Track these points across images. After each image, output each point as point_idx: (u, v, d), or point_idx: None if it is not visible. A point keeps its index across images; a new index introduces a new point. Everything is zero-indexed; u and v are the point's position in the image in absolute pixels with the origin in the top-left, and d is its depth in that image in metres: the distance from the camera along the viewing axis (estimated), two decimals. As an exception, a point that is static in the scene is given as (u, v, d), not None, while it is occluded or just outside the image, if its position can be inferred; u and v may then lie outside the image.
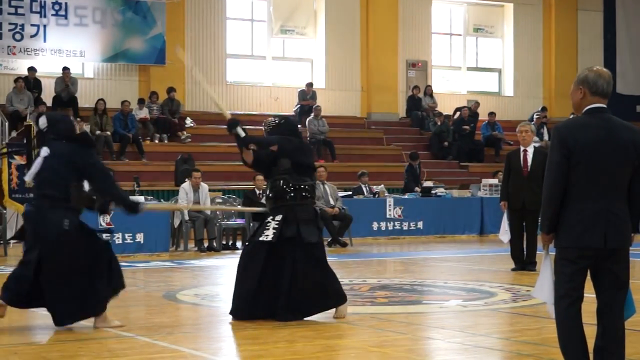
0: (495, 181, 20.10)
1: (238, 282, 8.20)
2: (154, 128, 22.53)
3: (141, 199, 15.58)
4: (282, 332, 7.58)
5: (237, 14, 25.39)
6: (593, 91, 5.16)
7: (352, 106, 26.35)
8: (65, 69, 21.97)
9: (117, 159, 21.00)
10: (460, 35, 28.43)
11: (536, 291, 5.39)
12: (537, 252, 12.33)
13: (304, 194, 8.25)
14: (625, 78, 29.33)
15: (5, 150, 16.81)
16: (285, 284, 8.02)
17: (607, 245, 5.05)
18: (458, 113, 26.13)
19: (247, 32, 25.60)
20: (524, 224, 12.44)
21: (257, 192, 16.70)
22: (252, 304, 8.08)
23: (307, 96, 24.74)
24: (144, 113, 22.52)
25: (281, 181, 8.20)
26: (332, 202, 17.42)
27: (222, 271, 13.06)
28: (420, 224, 19.60)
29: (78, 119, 20.47)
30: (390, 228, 19.28)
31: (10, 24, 21.81)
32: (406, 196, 20.23)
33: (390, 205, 19.26)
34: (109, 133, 21.37)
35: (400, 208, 19.37)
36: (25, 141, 17.02)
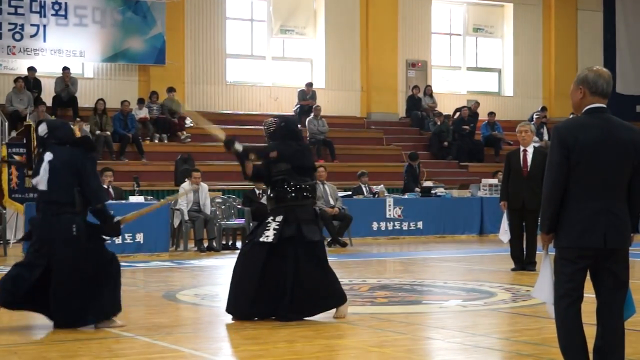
0: (495, 181, 20.11)
1: (237, 282, 8.17)
2: (154, 128, 22.53)
3: (141, 199, 15.65)
4: (282, 332, 7.58)
5: (236, 13, 25.39)
6: (593, 91, 5.17)
7: (352, 106, 26.35)
8: (65, 69, 21.97)
9: (117, 159, 21.00)
10: (460, 35, 28.43)
11: (536, 291, 5.39)
12: (537, 252, 12.33)
13: (305, 193, 8.26)
14: (625, 78, 29.33)
15: (5, 156, 16.83)
16: (288, 284, 8.02)
17: (606, 245, 5.06)
18: (458, 113, 26.13)
19: (247, 32, 25.60)
20: (523, 224, 12.44)
21: (257, 191, 16.73)
22: (253, 305, 8.08)
23: (307, 96, 24.75)
24: (143, 113, 22.51)
25: (282, 181, 8.20)
26: (331, 202, 17.43)
27: (222, 271, 13.06)
28: (420, 224, 19.60)
29: (78, 119, 20.48)
30: (390, 228, 19.28)
31: (10, 23, 21.80)
32: (406, 196, 20.23)
33: (390, 205, 19.27)
34: (108, 133, 21.37)
35: (400, 208, 19.37)
36: (25, 141, 17.05)
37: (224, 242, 16.74)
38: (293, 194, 8.19)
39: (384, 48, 26.29)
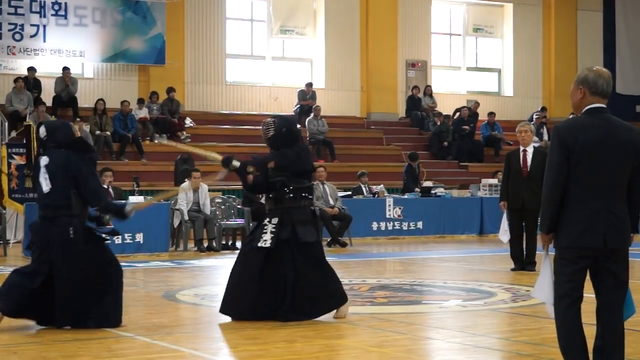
0: (494, 181, 20.11)
1: (236, 284, 8.17)
2: (154, 128, 22.53)
3: (140, 199, 15.63)
4: (281, 332, 7.58)
5: (236, 14, 25.39)
6: (593, 91, 5.17)
7: (351, 106, 26.35)
8: (66, 69, 21.97)
9: (116, 159, 21.00)
10: (459, 35, 28.42)
11: (536, 291, 5.39)
12: (537, 252, 12.33)
13: (303, 194, 8.27)
14: (625, 78, 29.32)
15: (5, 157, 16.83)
16: (289, 286, 8.02)
17: (606, 245, 5.06)
18: (458, 113, 26.13)
19: (247, 32, 25.60)
20: (523, 224, 12.44)
21: (257, 192, 16.70)
22: (253, 307, 8.08)
23: (307, 96, 24.74)
24: (143, 113, 22.51)
25: (280, 183, 8.21)
26: (331, 202, 17.43)
27: (222, 271, 13.04)
28: (419, 224, 19.60)
29: (78, 119, 20.48)
30: (390, 228, 19.28)
31: (10, 24, 21.80)
32: (406, 196, 20.23)
33: (389, 205, 19.27)
34: (108, 133, 21.37)
35: (399, 208, 19.37)
36: (25, 141, 17.04)
37: (223, 242, 16.74)
38: (291, 195, 8.21)
39: (383, 48, 26.29)
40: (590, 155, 5.06)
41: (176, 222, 16.21)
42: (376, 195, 19.48)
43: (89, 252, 7.69)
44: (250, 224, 16.05)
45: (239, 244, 16.33)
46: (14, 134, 19.50)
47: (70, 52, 22.42)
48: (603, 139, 5.08)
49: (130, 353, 6.83)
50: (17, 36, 21.88)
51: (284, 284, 8.05)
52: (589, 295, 5.20)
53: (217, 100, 24.75)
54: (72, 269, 7.60)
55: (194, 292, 10.41)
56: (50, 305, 7.66)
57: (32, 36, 22.01)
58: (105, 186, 15.88)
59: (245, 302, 8.09)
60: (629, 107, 28.26)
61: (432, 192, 20.34)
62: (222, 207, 17.27)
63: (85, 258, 7.65)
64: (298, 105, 24.67)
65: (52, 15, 22.21)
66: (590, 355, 5.17)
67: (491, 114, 25.91)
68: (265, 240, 8.09)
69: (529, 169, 12.26)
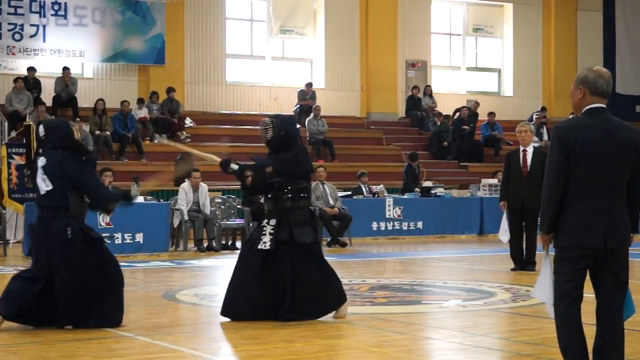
0: (494, 181, 20.11)
1: (236, 285, 8.19)
2: (154, 128, 22.53)
3: (140, 199, 15.62)
4: (281, 332, 7.58)
5: (236, 14, 25.39)
6: (593, 91, 5.17)
7: (351, 106, 26.35)
8: (66, 69, 21.96)
9: (116, 159, 21.00)
10: (459, 35, 28.42)
11: (536, 291, 5.39)
12: (537, 252, 12.33)
13: (301, 194, 8.28)
14: (624, 78, 29.32)
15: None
16: (288, 286, 8.03)
17: (606, 245, 5.06)
18: (457, 113, 26.13)
19: (247, 32, 25.60)
20: (523, 224, 12.44)
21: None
22: (253, 309, 8.09)
23: (307, 96, 24.74)
24: (143, 113, 22.51)
25: (277, 183, 8.23)
26: (331, 202, 17.43)
27: (222, 271, 13.05)
28: (419, 224, 19.60)
29: (78, 119, 20.47)
30: (390, 228, 19.28)
31: (9, 24, 21.80)
32: (406, 196, 20.23)
33: (389, 205, 19.27)
34: (108, 133, 21.37)
35: (399, 208, 19.37)
36: (24, 141, 17.04)
37: (223, 242, 16.74)
38: (289, 195, 8.22)
39: (383, 48, 26.29)
40: (590, 156, 5.06)
41: (176, 222, 16.21)
42: (376, 195, 19.48)
43: (88, 252, 7.69)
44: (250, 224, 16.05)
45: (238, 244, 16.35)
46: (13, 134, 19.50)
47: (70, 52, 22.42)
48: (603, 139, 5.08)
49: (130, 353, 6.83)
50: (17, 36, 21.88)
51: (283, 284, 8.06)
52: (589, 295, 5.20)
53: (217, 100, 24.75)
54: (70, 269, 7.61)
55: (193, 292, 10.41)
56: (52, 309, 7.67)
57: (31, 36, 22.01)
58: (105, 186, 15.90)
59: (246, 303, 8.10)
60: (629, 107, 28.26)
61: (432, 192, 20.34)
62: (222, 207, 17.27)
63: (84, 258, 7.65)
64: (298, 105, 24.67)
65: (52, 15, 22.20)
66: (590, 355, 5.17)
67: (491, 114, 25.91)
68: (264, 243, 8.11)
69: (528, 169, 12.25)
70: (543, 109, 27.16)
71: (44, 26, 22.14)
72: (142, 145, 21.75)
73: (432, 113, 26.24)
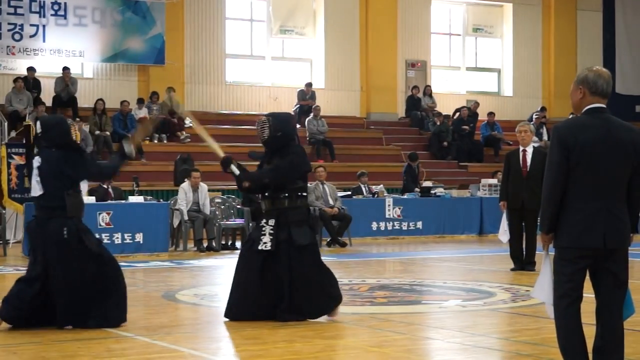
0: (494, 181, 20.10)
1: (239, 285, 8.19)
2: (153, 128, 22.51)
3: (140, 199, 15.65)
4: (281, 332, 7.58)
5: (236, 14, 25.39)
6: (593, 91, 5.17)
7: (351, 106, 26.35)
8: (66, 69, 21.96)
9: (116, 159, 20.97)
10: (459, 35, 28.43)
11: (536, 291, 5.39)
12: (537, 252, 12.34)
13: (299, 193, 8.29)
14: (625, 78, 29.33)
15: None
16: (285, 286, 8.03)
17: (606, 245, 5.06)
18: (457, 113, 26.13)
19: (247, 32, 25.60)
20: (523, 224, 12.44)
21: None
22: (253, 310, 8.09)
23: (307, 96, 24.75)
24: (143, 113, 22.51)
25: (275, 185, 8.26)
26: (331, 202, 17.42)
27: (222, 271, 13.06)
28: (419, 224, 19.60)
29: (77, 119, 20.48)
30: (390, 228, 19.28)
31: (9, 24, 21.80)
32: (405, 196, 20.23)
33: (389, 205, 19.26)
34: (108, 133, 21.37)
35: (399, 208, 19.37)
36: (24, 141, 17.05)
37: (223, 242, 16.74)
38: (286, 194, 8.23)
39: (383, 48, 26.29)
40: (590, 156, 5.06)
41: (176, 222, 16.21)
42: (376, 195, 19.48)
43: (85, 252, 7.67)
44: (250, 224, 16.05)
45: (238, 244, 16.34)
46: (13, 134, 19.50)
47: (69, 52, 22.42)
48: (603, 139, 5.08)
49: (130, 353, 6.83)
50: (17, 36, 21.87)
51: (281, 284, 8.06)
52: (589, 295, 5.20)
53: (216, 100, 24.75)
54: (67, 268, 7.59)
55: (193, 292, 10.41)
56: (51, 310, 7.66)
57: (31, 36, 22.01)
58: (104, 186, 15.91)
59: (246, 304, 8.11)
60: (629, 107, 28.26)
61: (432, 192, 20.34)
62: (222, 207, 17.27)
63: (81, 258, 7.63)
64: (298, 105, 24.67)
65: (52, 15, 22.20)
66: (590, 355, 5.17)
67: (491, 114, 25.91)
68: (265, 243, 8.11)
69: (528, 169, 12.25)
70: (543, 109, 27.16)
71: (44, 26, 22.14)
72: (142, 145, 21.72)
73: (432, 113, 26.24)
